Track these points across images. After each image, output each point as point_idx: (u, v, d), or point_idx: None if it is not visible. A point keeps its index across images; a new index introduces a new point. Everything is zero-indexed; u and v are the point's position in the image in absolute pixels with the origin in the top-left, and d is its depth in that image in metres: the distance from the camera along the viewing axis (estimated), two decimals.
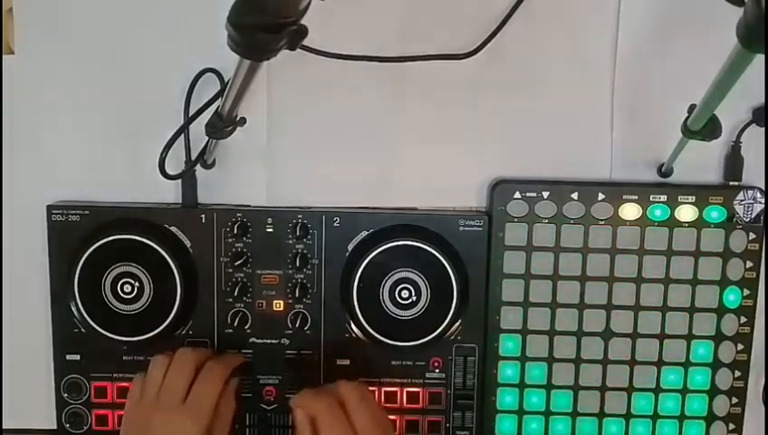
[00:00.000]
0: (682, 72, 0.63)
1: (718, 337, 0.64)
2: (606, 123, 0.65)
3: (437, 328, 0.62)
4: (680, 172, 0.64)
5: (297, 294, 0.63)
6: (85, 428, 0.65)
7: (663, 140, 0.62)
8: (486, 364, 0.65)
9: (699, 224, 0.63)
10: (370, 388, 0.64)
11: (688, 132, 0.54)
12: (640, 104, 0.64)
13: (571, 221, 0.63)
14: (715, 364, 0.64)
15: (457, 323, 0.64)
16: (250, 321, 0.64)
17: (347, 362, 0.65)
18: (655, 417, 0.65)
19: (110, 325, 0.62)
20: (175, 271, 0.61)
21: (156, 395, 0.57)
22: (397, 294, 0.62)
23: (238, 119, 0.55)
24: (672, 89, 0.63)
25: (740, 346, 0.64)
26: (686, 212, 0.63)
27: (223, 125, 0.54)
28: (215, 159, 0.64)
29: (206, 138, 0.58)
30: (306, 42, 0.40)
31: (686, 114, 0.54)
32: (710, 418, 0.65)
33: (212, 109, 0.60)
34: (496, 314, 0.64)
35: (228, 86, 0.49)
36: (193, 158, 0.62)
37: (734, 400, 0.65)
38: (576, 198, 0.63)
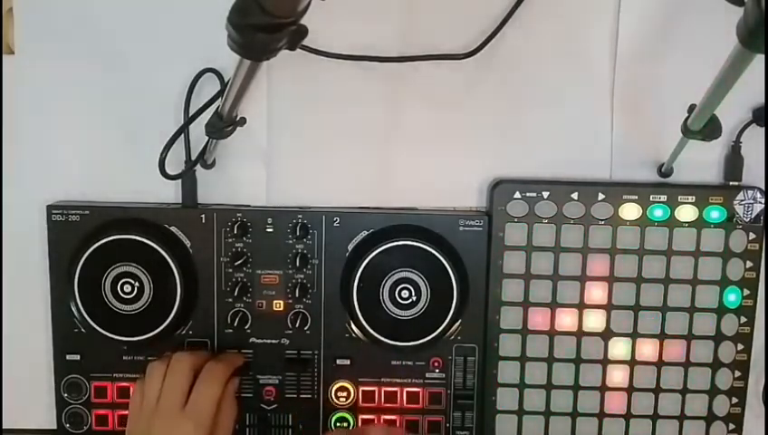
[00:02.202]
0: (682, 73, 0.63)
1: (718, 337, 0.64)
2: (606, 123, 0.65)
3: (437, 328, 0.62)
4: (680, 172, 0.64)
5: (297, 294, 0.63)
6: (85, 428, 0.65)
7: (663, 140, 0.62)
8: (486, 364, 0.65)
9: (699, 224, 0.63)
10: (370, 388, 0.65)
11: (688, 132, 0.54)
12: (640, 104, 0.64)
13: (571, 221, 0.63)
14: (715, 364, 0.64)
15: (457, 323, 0.64)
16: (250, 321, 0.64)
17: (347, 362, 0.65)
18: (655, 417, 0.65)
19: (110, 325, 0.62)
20: (175, 271, 0.61)
21: (156, 401, 0.57)
22: (397, 294, 0.62)
23: (238, 119, 0.55)
24: (672, 89, 0.63)
25: (740, 346, 0.64)
26: (686, 212, 0.63)
27: (223, 125, 0.54)
28: (215, 159, 0.64)
29: (206, 138, 0.58)
30: (306, 42, 0.40)
31: (686, 114, 0.54)
32: (710, 418, 0.65)
33: (212, 109, 0.60)
34: (496, 314, 0.64)
35: (228, 86, 0.49)
36: (193, 158, 0.62)
37: (734, 400, 0.65)
38: (576, 198, 0.63)
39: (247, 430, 0.65)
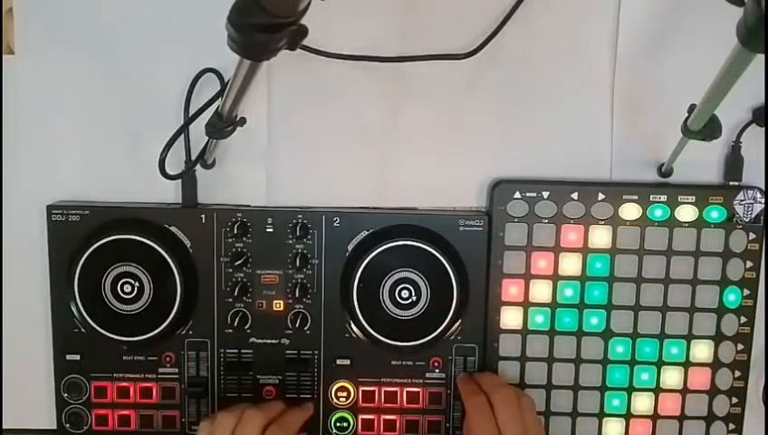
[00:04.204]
0: (682, 72, 0.63)
1: (718, 337, 0.64)
2: (606, 123, 0.65)
3: (437, 328, 0.62)
4: (680, 172, 0.64)
5: (297, 294, 0.63)
6: (85, 428, 0.65)
7: (663, 140, 0.62)
8: (486, 364, 0.65)
9: (699, 224, 0.63)
10: (370, 388, 0.65)
11: (688, 132, 0.54)
12: (640, 104, 0.64)
13: (571, 221, 0.63)
14: (715, 364, 0.64)
15: (457, 323, 0.64)
16: (250, 321, 0.64)
17: (347, 362, 0.65)
18: (655, 417, 0.65)
19: (110, 325, 0.62)
20: (175, 271, 0.61)
21: None
22: (397, 294, 0.62)
23: (238, 119, 0.55)
24: (672, 89, 0.63)
25: (740, 346, 0.64)
26: (686, 212, 0.63)
27: (223, 125, 0.54)
28: (215, 159, 0.64)
29: (206, 138, 0.58)
30: (306, 42, 0.40)
31: (686, 114, 0.54)
32: (710, 418, 0.65)
33: (212, 109, 0.60)
34: (496, 314, 0.64)
35: (228, 86, 0.49)
36: (193, 158, 0.62)
37: (734, 400, 0.65)
38: (576, 198, 0.63)
39: None
